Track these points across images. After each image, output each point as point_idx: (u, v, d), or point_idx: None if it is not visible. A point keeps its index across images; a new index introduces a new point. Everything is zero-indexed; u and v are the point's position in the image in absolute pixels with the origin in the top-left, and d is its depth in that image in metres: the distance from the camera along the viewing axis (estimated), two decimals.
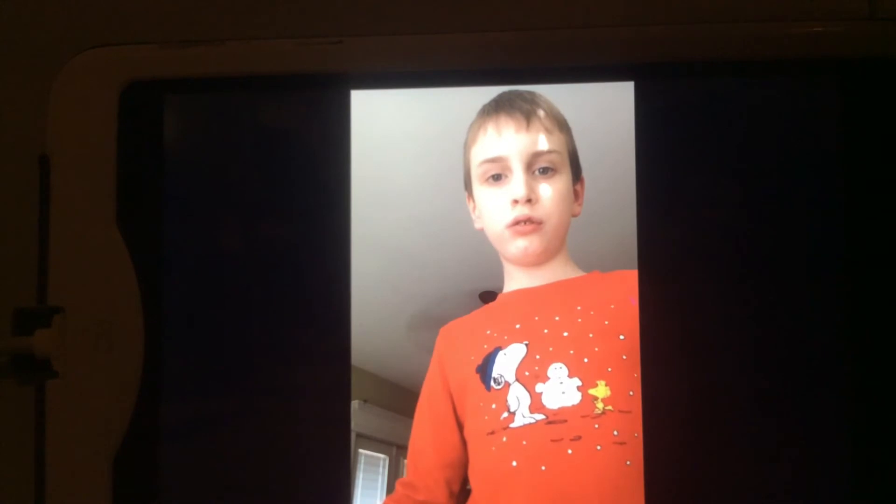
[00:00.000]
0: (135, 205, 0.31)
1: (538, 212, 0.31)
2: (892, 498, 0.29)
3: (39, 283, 0.30)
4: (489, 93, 0.31)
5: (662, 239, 0.30)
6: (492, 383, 0.31)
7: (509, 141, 0.31)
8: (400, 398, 0.31)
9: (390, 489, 0.31)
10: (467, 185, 0.32)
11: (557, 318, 0.31)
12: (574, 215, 0.32)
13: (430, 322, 0.31)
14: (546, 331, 0.31)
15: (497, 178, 0.32)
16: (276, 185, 0.31)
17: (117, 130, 0.30)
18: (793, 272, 0.30)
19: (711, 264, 0.30)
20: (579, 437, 0.30)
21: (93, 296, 0.30)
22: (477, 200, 0.32)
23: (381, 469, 0.31)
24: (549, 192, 0.31)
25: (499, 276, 0.32)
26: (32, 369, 0.30)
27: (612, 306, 0.31)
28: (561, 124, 0.31)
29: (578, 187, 0.32)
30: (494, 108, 0.31)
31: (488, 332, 0.32)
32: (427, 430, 0.31)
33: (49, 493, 0.30)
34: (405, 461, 0.31)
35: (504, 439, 0.30)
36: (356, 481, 0.30)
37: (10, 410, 0.32)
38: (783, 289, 0.30)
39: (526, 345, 0.31)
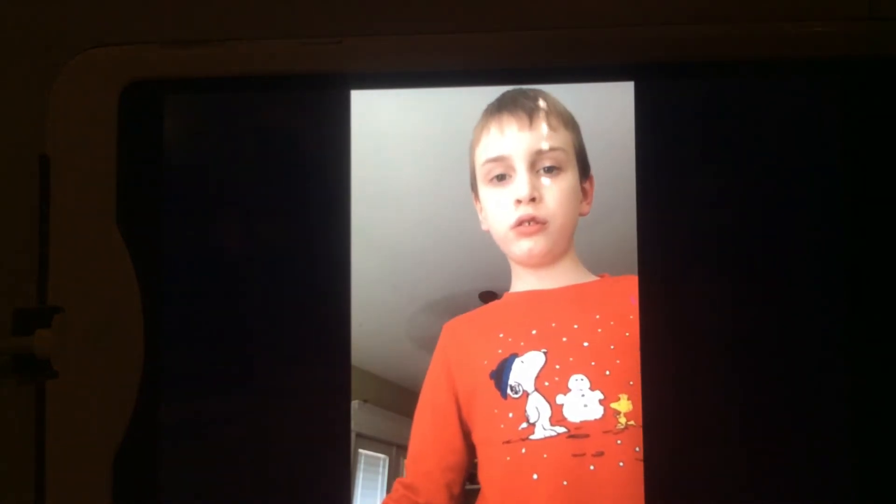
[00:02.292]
0: (135, 205, 0.31)
1: (542, 211, 0.31)
2: None
3: (39, 283, 0.30)
4: (490, 92, 0.31)
5: (662, 240, 0.30)
6: (508, 391, 0.30)
7: (512, 139, 0.31)
8: (400, 398, 0.31)
9: (390, 489, 0.31)
10: (473, 187, 0.32)
11: (576, 327, 0.31)
12: (582, 214, 0.31)
13: (430, 322, 0.31)
14: (565, 339, 0.31)
15: (501, 178, 0.31)
16: (276, 186, 0.31)
17: (117, 130, 0.30)
18: (793, 272, 0.30)
19: (712, 265, 0.30)
20: (602, 453, 0.29)
21: (93, 296, 0.30)
22: (482, 201, 0.32)
23: (381, 469, 0.31)
24: (554, 190, 0.31)
25: (499, 276, 0.32)
26: (32, 369, 0.30)
27: (631, 317, 0.30)
28: (566, 121, 0.31)
29: (587, 185, 0.31)
30: (497, 108, 0.31)
31: (501, 335, 0.31)
32: (428, 432, 0.31)
33: (49, 493, 0.30)
34: (405, 461, 0.31)
35: (523, 451, 0.30)
36: (356, 481, 0.30)
37: (10, 410, 0.32)
38: (784, 289, 0.30)
39: (544, 353, 0.31)
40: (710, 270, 0.30)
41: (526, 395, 0.30)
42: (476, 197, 0.32)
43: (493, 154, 0.31)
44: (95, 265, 0.30)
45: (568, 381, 0.30)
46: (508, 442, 0.30)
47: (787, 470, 0.29)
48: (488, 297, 0.32)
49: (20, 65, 0.33)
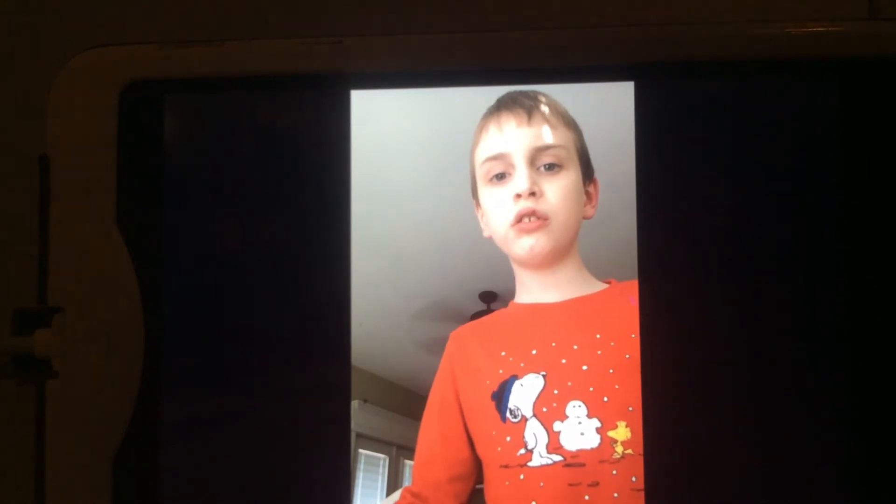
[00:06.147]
0: (135, 205, 0.31)
1: (543, 206, 0.30)
2: None
3: (39, 283, 0.30)
4: (490, 92, 0.31)
5: (663, 242, 0.30)
6: (508, 415, 0.30)
7: (510, 136, 0.31)
8: (400, 398, 0.31)
9: (390, 489, 0.31)
10: (474, 193, 0.32)
11: (576, 347, 0.30)
12: (587, 217, 0.31)
13: (430, 322, 0.31)
14: (564, 361, 0.30)
15: (501, 177, 0.31)
16: (276, 186, 0.31)
17: (117, 130, 0.30)
18: (793, 273, 0.30)
19: (712, 267, 0.30)
20: (597, 483, 0.29)
21: (93, 296, 0.30)
22: (482, 203, 0.31)
23: (381, 469, 0.31)
24: (556, 187, 0.30)
25: (500, 276, 0.32)
26: (32, 369, 0.30)
27: (633, 335, 0.29)
28: (567, 121, 0.31)
29: (591, 189, 0.31)
30: (496, 108, 0.31)
31: (503, 353, 0.31)
32: (436, 442, 0.31)
33: (49, 493, 0.30)
34: (405, 461, 0.31)
35: (521, 477, 0.29)
36: (356, 481, 0.30)
37: (10, 410, 0.32)
38: (783, 290, 0.30)
39: (543, 376, 0.30)
40: (711, 274, 0.30)
41: (524, 420, 0.30)
42: (477, 204, 0.32)
43: (492, 152, 0.31)
44: (95, 265, 0.30)
45: (566, 407, 0.30)
46: (507, 466, 0.30)
47: (787, 475, 0.29)
48: (489, 297, 0.32)
49: (20, 65, 0.33)
